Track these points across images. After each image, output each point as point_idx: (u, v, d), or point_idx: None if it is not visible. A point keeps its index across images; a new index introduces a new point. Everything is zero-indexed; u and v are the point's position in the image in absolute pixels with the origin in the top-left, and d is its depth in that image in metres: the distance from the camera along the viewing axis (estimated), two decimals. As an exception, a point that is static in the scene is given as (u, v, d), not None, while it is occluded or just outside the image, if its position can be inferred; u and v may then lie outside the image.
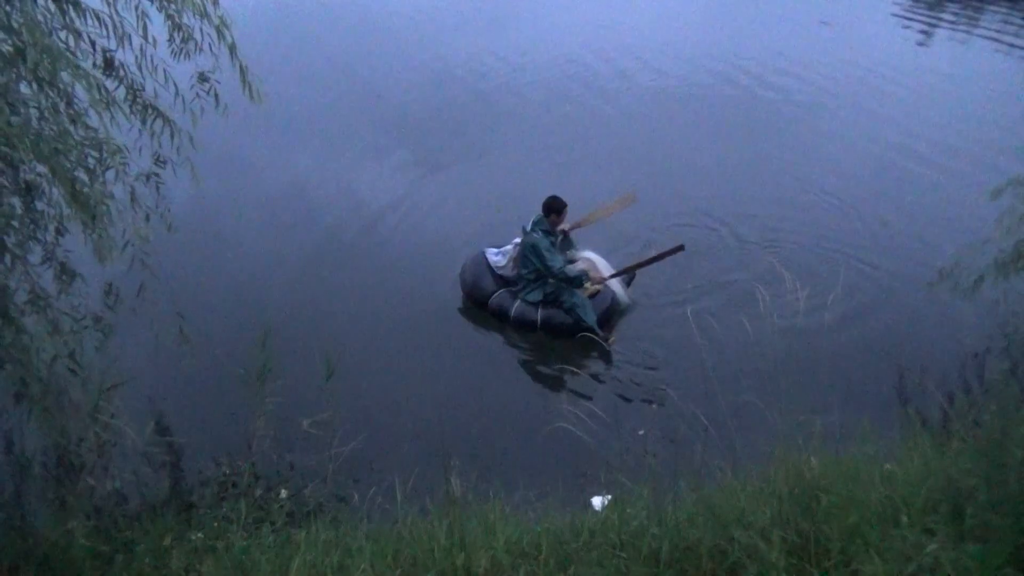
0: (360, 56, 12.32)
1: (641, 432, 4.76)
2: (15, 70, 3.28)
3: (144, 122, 3.88)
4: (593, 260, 6.85)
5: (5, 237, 3.51)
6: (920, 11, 14.70)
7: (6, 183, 3.58)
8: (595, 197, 8.34)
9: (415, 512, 3.72)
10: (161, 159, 4.07)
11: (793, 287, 3.86)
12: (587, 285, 6.48)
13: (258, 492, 4.42)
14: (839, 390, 5.15)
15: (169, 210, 4.15)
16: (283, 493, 4.47)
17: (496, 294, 6.67)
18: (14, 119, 3.21)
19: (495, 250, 6.88)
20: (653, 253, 6.67)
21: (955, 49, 13.05)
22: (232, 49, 3.83)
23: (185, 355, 4.41)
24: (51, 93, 3.40)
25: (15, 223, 3.58)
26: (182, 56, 3.97)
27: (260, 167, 9.14)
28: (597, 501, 4.24)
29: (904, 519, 3.16)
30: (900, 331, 6.34)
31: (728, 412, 3.80)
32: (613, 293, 6.69)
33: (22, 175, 3.60)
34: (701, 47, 12.46)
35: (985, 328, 5.70)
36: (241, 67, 3.88)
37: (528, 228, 6.49)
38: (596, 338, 6.28)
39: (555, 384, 5.64)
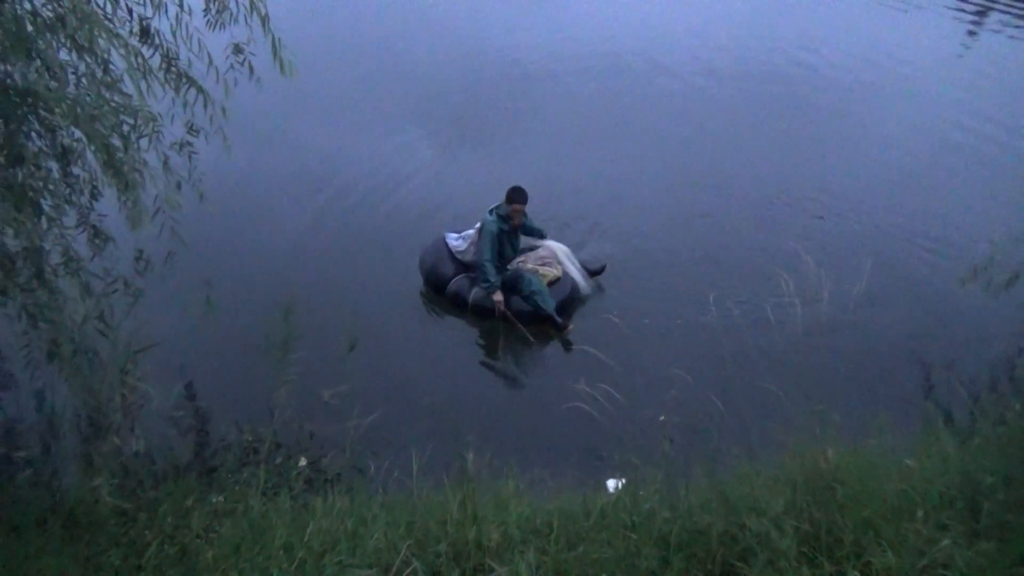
0: (395, 34, 12.31)
1: (662, 419, 4.76)
2: (55, 36, 3.34)
3: (178, 91, 3.94)
4: (553, 248, 6.82)
5: (42, 200, 3.60)
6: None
7: (44, 147, 3.66)
8: (624, 184, 8.31)
9: (430, 485, 3.78)
10: (194, 128, 4.13)
11: (817, 275, 3.82)
12: (545, 270, 6.50)
13: (278, 459, 4.50)
14: (860, 382, 5.13)
15: (200, 179, 4.21)
16: (302, 461, 4.55)
17: (454, 279, 6.64)
18: (52, 84, 3.28)
19: (455, 235, 6.84)
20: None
21: (1006, 41, 12.71)
22: (265, 21, 3.86)
23: (211, 322, 4.48)
24: (89, 59, 3.46)
25: (51, 187, 3.67)
26: (217, 26, 4.01)
27: (291, 140, 9.21)
28: (611, 483, 4.26)
29: (919, 514, 3.14)
30: (928, 326, 6.24)
31: (745, 399, 3.80)
32: (573, 281, 6.66)
33: (59, 140, 3.68)
34: (744, 30, 12.26)
35: (1017, 328, 5.60)
36: (274, 39, 3.91)
37: (488, 211, 6.49)
38: (554, 327, 6.27)
39: (573, 363, 5.65)
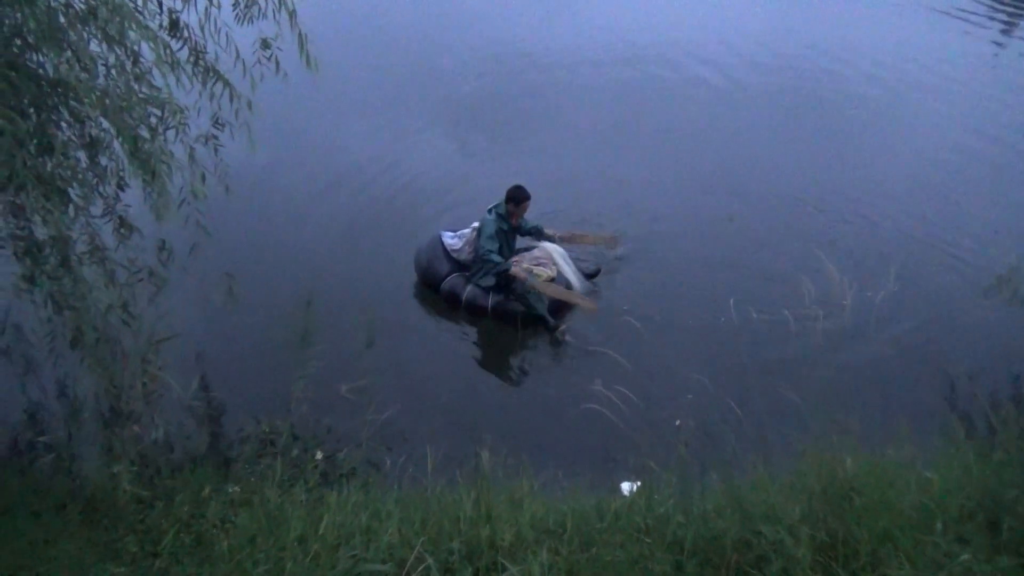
0: (421, 30, 12.34)
1: (678, 423, 4.74)
2: (86, 27, 3.39)
3: (205, 84, 3.97)
4: (548, 249, 6.75)
5: (70, 189, 3.65)
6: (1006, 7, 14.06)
7: (73, 137, 3.71)
8: (647, 186, 8.27)
9: (444, 483, 3.78)
10: (220, 122, 4.16)
11: (840, 282, 3.79)
12: (539, 270, 6.44)
13: (294, 452, 4.54)
14: (880, 391, 5.06)
15: (225, 172, 4.24)
16: (318, 454, 4.58)
17: (448, 278, 6.62)
18: (83, 75, 3.32)
19: (451, 233, 6.80)
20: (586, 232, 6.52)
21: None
22: (292, 16, 3.88)
23: (232, 314, 4.52)
24: (119, 51, 3.50)
25: (80, 176, 3.72)
26: (245, 20, 4.05)
27: (314, 136, 9.26)
28: (626, 486, 4.24)
29: (938, 526, 3.10)
30: (950, 336, 6.15)
31: (763, 405, 3.78)
32: (567, 283, 6.59)
33: (88, 130, 3.73)
34: (772, 32, 12.15)
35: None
36: (300, 34, 3.94)
37: (488, 210, 6.50)
38: (545, 328, 6.26)
39: (590, 365, 5.62)
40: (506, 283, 6.38)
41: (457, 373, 6.03)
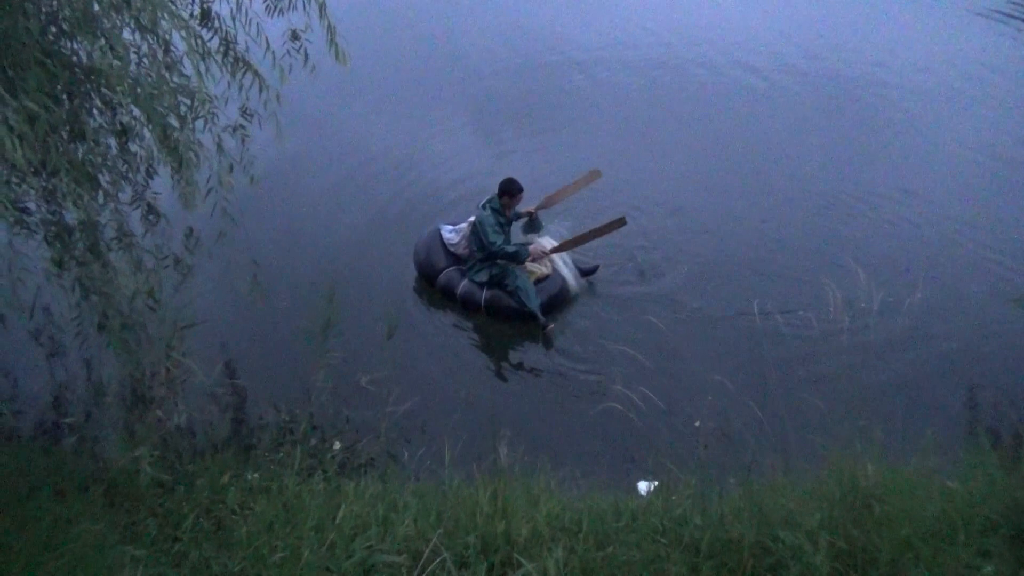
0: (450, 24, 12.35)
1: (697, 424, 4.70)
2: (120, 16, 3.42)
3: (234, 75, 4.00)
4: (544, 245, 6.74)
5: (100, 175, 3.70)
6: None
7: (104, 124, 3.76)
8: (675, 186, 8.21)
9: (461, 476, 3.78)
10: (248, 112, 4.20)
11: (867, 287, 3.73)
12: (532, 267, 6.46)
13: (313, 441, 4.57)
14: (905, 399, 4.98)
15: (252, 162, 4.28)
16: (336, 444, 4.61)
17: (445, 271, 6.64)
18: (115, 63, 3.36)
19: (450, 227, 6.83)
20: (596, 226, 6.48)
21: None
22: (322, 8, 3.90)
23: (256, 302, 4.56)
24: (151, 40, 3.54)
25: (110, 163, 3.77)
26: (275, 12, 4.07)
27: (341, 127, 9.31)
28: (643, 486, 4.23)
29: (961, 538, 3.05)
30: (978, 345, 6.04)
31: (785, 409, 3.73)
32: (563, 280, 6.58)
33: (119, 117, 3.77)
34: (808, 34, 12.00)
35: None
36: (329, 26, 3.95)
37: (480, 205, 6.48)
38: (536, 324, 6.26)
39: (610, 363, 5.60)
40: (499, 279, 6.39)
41: (477, 367, 6.04)
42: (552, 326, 6.29)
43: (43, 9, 3.27)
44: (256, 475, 4.00)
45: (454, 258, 6.66)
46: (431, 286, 6.66)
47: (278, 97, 4.05)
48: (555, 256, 6.62)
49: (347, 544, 3.22)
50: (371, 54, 10.08)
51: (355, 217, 7.68)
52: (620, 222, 6.45)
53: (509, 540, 3.20)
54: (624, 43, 11.68)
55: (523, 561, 3.09)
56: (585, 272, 6.79)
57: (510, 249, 6.32)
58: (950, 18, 12.75)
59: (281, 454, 4.32)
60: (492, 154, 8.86)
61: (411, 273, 6.93)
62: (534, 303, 6.26)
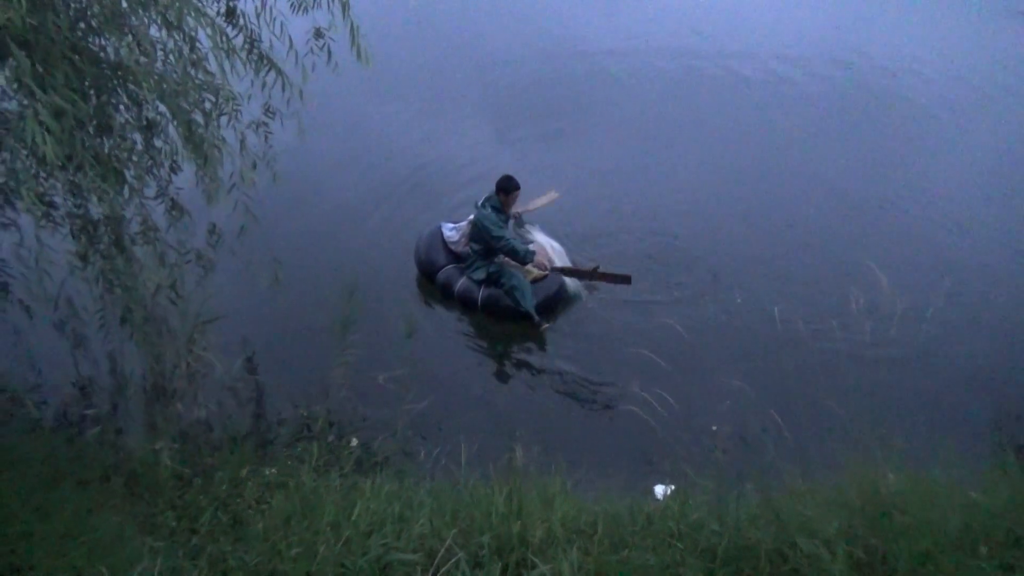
0: (473, 23, 12.36)
1: (714, 428, 4.67)
2: (147, 13, 3.46)
3: (257, 72, 4.03)
4: (543, 244, 6.72)
5: (126, 170, 3.75)
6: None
7: (130, 120, 3.81)
8: (697, 189, 8.16)
9: (477, 476, 3.78)
10: (271, 110, 4.23)
11: (891, 294, 3.68)
12: (530, 267, 6.41)
13: (330, 437, 4.60)
14: (927, 408, 4.92)
15: (274, 159, 4.31)
16: (354, 441, 4.64)
17: (444, 269, 6.63)
18: (142, 60, 3.40)
19: (451, 225, 6.84)
20: (604, 270, 6.36)
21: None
22: (345, 7, 3.92)
23: (276, 298, 4.59)
24: (177, 37, 3.58)
25: (135, 158, 3.81)
26: (300, 10, 4.10)
27: (363, 125, 9.35)
28: (659, 490, 4.21)
29: (983, 550, 3.00)
30: (1003, 354, 5.92)
31: (805, 416, 3.70)
32: (563, 281, 6.55)
33: (144, 113, 3.82)
34: (835, 36, 11.88)
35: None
36: (352, 26, 3.97)
37: (479, 204, 6.47)
38: (531, 324, 6.23)
39: (628, 366, 5.57)
40: (496, 277, 6.40)
41: (495, 368, 6.04)
42: (547, 326, 6.30)
43: (72, 6, 3.32)
44: (274, 470, 4.03)
45: (454, 256, 6.68)
46: (431, 284, 6.67)
47: (301, 94, 4.08)
48: (553, 256, 6.63)
49: (363, 541, 3.22)
50: (394, 52, 10.11)
51: (376, 214, 7.70)
52: (625, 279, 6.39)
53: (524, 541, 3.19)
54: (649, 46, 11.62)
55: (538, 562, 3.08)
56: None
57: (519, 246, 6.32)
58: (985, 19, 12.56)
59: (299, 449, 4.35)
60: (513, 153, 8.86)
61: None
62: (529, 303, 6.28)
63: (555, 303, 6.49)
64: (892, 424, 3.41)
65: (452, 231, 6.76)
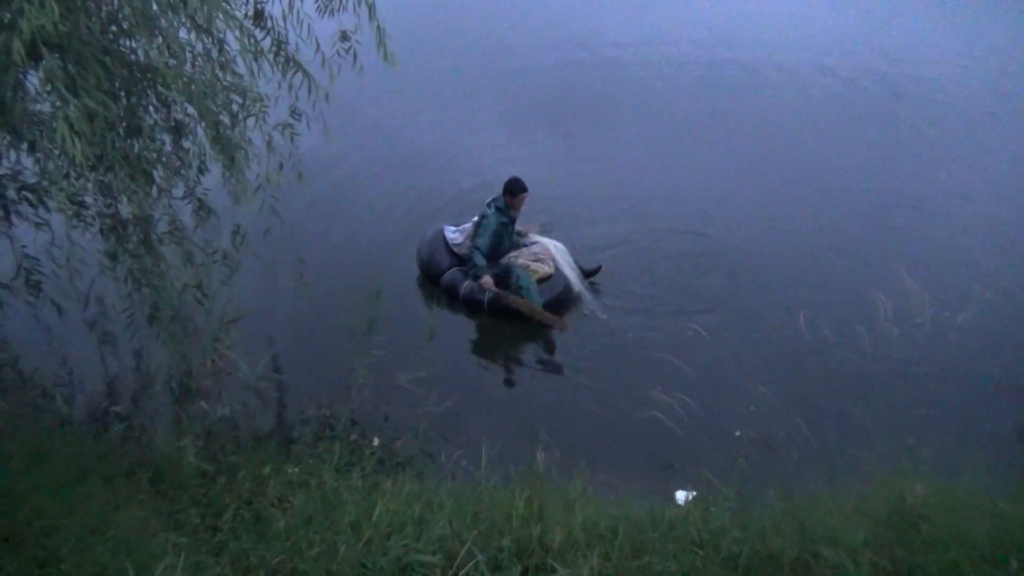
0: (499, 26, 12.39)
1: (737, 434, 4.63)
2: (176, 15, 3.51)
3: (284, 74, 4.07)
4: (547, 245, 6.71)
5: (154, 171, 3.80)
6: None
7: (159, 121, 3.86)
8: (723, 192, 8.11)
9: (497, 478, 3.78)
10: (297, 111, 4.27)
11: (920, 300, 3.62)
12: (535, 267, 6.44)
13: (352, 437, 4.62)
14: (955, 417, 4.83)
15: (300, 160, 4.35)
16: (375, 441, 4.65)
17: (448, 271, 6.62)
18: (171, 61, 3.45)
19: (453, 227, 6.82)
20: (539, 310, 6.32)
21: None
22: (372, 10, 3.94)
23: (301, 298, 4.63)
24: (205, 39, 3.62)
25: (164, 159, 3.87)
26: (326, 13, 4.13)
27: (387, 127, 9.40)
28: (681, 495, 4.17)
29: (1013, 564, 2.93)
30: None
31: (830, 423, 3.65)
32: (566, 280, 6.55)
33: (173, 114, 3.87)
34: (863, 38, 11.75)
35: None
36: (379, 28, 3.99)
37: (486, 204, 6.49)
38: (540, 324, 6.22)
39: (651, 370, 5.54)
40: (503, 278, 6.39)
41: (516, 370, 6.04)
42: (560, 324, 6.30)
43: (104, 9, 3.37)
44: (296, 469, 4.05)
45: (457, 258, 6.68)
46: (435, 286, 6.67)
47: (327, 96, 4.11)
48: (557, 256, 6.64)
49: (383, 542, 3.23)
50: (420, 54, 10.15)
51: (401, 216, 7.74)
52: (558, 323, 6.36)
53: (544, 545, 3.18)
54: (672, 48, 11.58)
55: (557, 567, 3.07)
56: (587, 273, 6.80)
57: (479, 261, 6.33)
58: (1018, 19, 12.34)
59: (320, 449, 4.37)
60: (538, 154, 8.86)
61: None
62: (537, 303, 6.28)
63: (562, 302, 6.50)
64: (919, 433, 3.35)
65: (455, 233, 6.77)
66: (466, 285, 6.48)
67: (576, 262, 6.75)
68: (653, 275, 6.91)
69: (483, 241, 6.35)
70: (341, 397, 4.85)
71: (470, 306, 6.47)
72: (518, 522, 3.28)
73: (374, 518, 3.36)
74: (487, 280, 6.31)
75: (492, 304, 6.39)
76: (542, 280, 6.44)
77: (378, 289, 4.99)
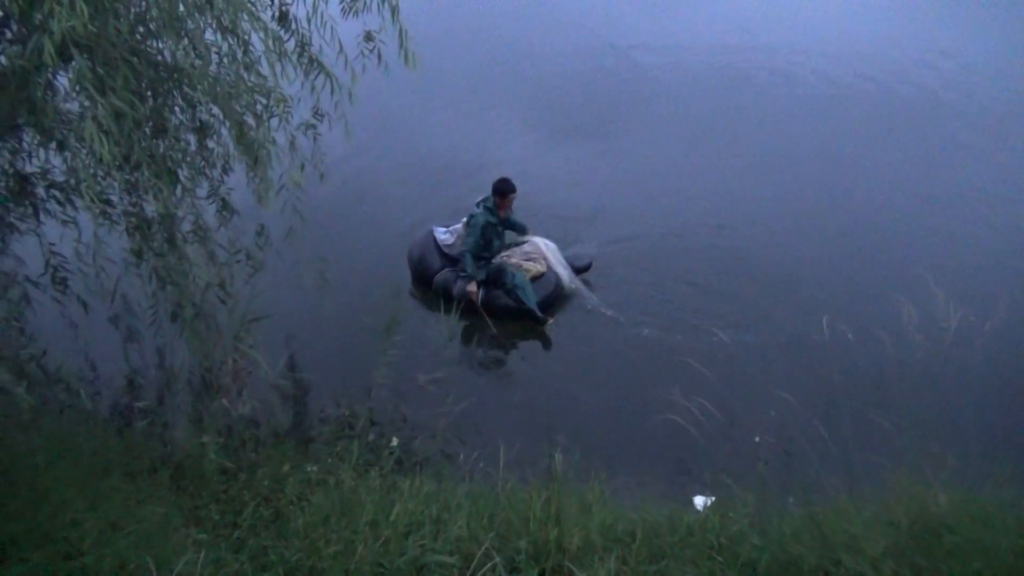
0: (522, 28, 12.38)
1: (757, 439, 4.59)
2: (203, 17, 3.54)
3: (307, 75, 4.10)
4: (538, 244, 6.77)
5: (179, 170, 3.84)
6: None
7: (184, 121, 3.90)
8: (747, 196, 8.06)
9: (515, 480, 3.78)
10: (320, 112, 4.30)
11: (945, 306, 3.57)
12: (528, 265, 6.51)
13: (371, 437, 4.64)
14: (981, 425, 4.74)
15: (322, 161, 4.37)
16: (394, 441, 4.67)
17: (440, 272, 6.66)
18: (197, 62, 3.48)
19: (443, 229, 6.87)
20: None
21: None
22: (395, 11, 3.95)
23: (322, 298, 4.66)
24: (231, 40, 3.65)
25: (188, 159, 3.91)
26: (350, 14, 4.15)
27: (409, 128, 9.43)
28: (699, 500, 4.15)
29: (1038, 575, 2.89)
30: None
31: (852, 429, 3.60)
32: (558, 278, 6.61)
33: (198, 115, 3.91)
34: (890, 41, 11.60)
35: None
36: (401, 30, 4.00)
37: (476, 204, 6.51)
38: (534, 321, 6.26)
39: (670, 373, 5.51)
40: (496, 277, 6.40)
41: (534, 372, 6.03)
42: (551, 321, 6.34)
43: (132, 10, 3.41)
44: (315, 467, 4.08)
45: (449, 259, 6.70)
46: (426, 288, 6.67)
47: (350, 96, 4.13)
48: (548, 254, 6.73)
49: (400, 542, 3.24)
50: (442, 55, 10.17)
51: (423, 218, 7.75)
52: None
53: (561, 548, 3.18)
54: (699, 51, 11.51)
55: (575, 570, 3.07)
56: (579, 270, 6.83)
57: (468, 263, 6.35)
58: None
59: (339, 447, 4.40)
60: (559, 158, 8.85)
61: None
62: (532, 301, 6.32)
63: (555, 300, 6.55)
64: (943, 441, 3.30)
65: (445, 234, 6.81)
66: (458, 285, 6.52)
67: (567, 259, 6.80)
68: (675, 277, 6.88)
69: (472, 241, 6.38)
70: (360, 396, 4.88)
71: (464, 306, 6.48)
72: (535, 524, 3.28)
73: (392, 518, 3.38)
74: (472, 288, 6.36)
75: (486, 303, 6.42)
76: (535, 278, 6.52)
77: (398, 289, 5.01)
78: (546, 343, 6.33)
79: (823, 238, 7.32)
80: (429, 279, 6.65)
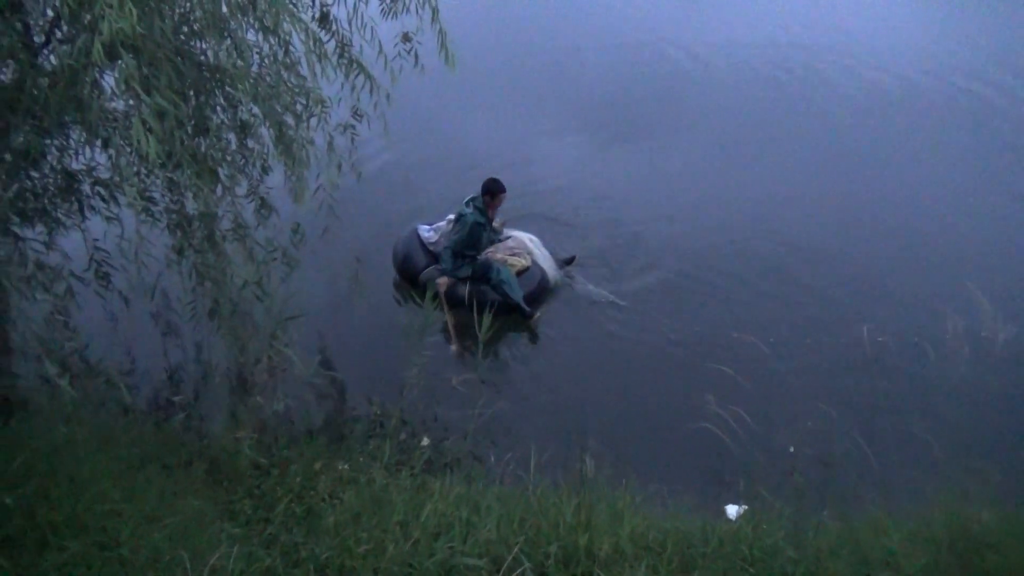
0: (562, 30, 12.37)
1: (792, 449, 4.51)
2: (245, 17, 3.59)
3: (347, 76, 4.13)
4: (522, 239, 6.76)
5: (220, 169, 3.90)
6: None
7: (225, 121, 3.96)
8: (788, 201, 7.95)
9: (546, 484, 3.75)
10: (359, 112, 4.33)
11: (992, 318, 3.46)
12: (512, 260, 6.50)
13: (402, 436, 4.66)
14: (1027, 443, 4.62)
15: (360, 161, 4.41)
16: (425, 441, 4.68)
17: (426, 269, 6.63)
18: (239, 63, 3.53)
19: (427, 226, 6.88)
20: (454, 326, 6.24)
21: None
22: (435, 12, 3.97)
23: (357, 297, 4.69)
24: (272, 41, 3.70)
25: (229, 158, 3.97)
26: (390, 15, 4.18)
27: (446, 128, 9.47)
28: (732, 510, 4.08)
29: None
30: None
31: (892, 442, 3.52)
32: (542, 271, 6.60)
33: (239, 114, 3.97)
34: (926, 49, 11.37)
35: None
36: (441, 31, 4.02)
37: (465, 203, 6.49)
38: (521, 315, 6.24)
39: (705, 381, 5.44)
40: (482, 272, 6.37)
41: (567, 375, 6.00)
42: (538, 315, 6.34)
43: (176, 11, 3.47)
44: (346, 466, 4.10)
45: (434, 257, 6.69)
46: (412, 286, 6.65)
47: (388, 97, 4.16)
48: (533, 248, 6.76)
49: (430, 543, 3.24)
50: (481, 56, 10.19)
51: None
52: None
53: (591, 554, 3.15)
54: (738, 55, 11.39)
55: (603, 577, 3.03)
56: (563, 262, 6.84)
57: (446, 256, 6.40)
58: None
59: (371, 446, 4.42)
60: (598, 160, 8.81)
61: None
62: (518, 295, 6.33)
63: (540, 294, 6.56)
64: (987, 457, 3.20)
65: (430, 232, 6.85)
66: (428, 271, 6.54)
67: (552, 252, 6.85)
68: (712, 283, 6.81)
69: (459, 239, 6.40)
70: (392, 396, 4.90)
71: (450, 302, 6.47)
72: (565, 530, 3.25)
73: (422, 519, 3.37)
74: (442, 282, 6.38)
75: (472, 298, 6.34)
76: (519, 273, 6.52)
77: (433, 290, 5.03)
78: (580, 347, 6.29)
79: (866, 245, 7.18)
80: (414, 277, 6.68)
